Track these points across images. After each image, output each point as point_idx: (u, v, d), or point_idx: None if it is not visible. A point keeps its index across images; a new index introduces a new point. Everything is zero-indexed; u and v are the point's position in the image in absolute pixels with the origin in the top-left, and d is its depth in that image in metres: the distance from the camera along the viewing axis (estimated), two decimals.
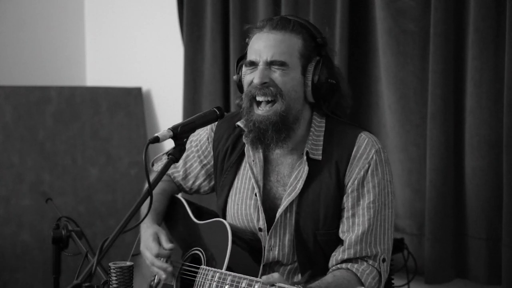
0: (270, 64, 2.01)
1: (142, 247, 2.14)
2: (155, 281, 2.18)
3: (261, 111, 2.01)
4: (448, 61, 2.66)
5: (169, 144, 1.86)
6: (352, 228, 2.02)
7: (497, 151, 2.58)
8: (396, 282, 2.74)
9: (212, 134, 2.26)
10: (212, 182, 2.31)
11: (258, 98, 2.01)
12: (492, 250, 2.64)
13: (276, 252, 2.08)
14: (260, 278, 1.82)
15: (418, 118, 2.77)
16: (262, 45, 2.02)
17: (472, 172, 2.65)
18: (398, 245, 2.76)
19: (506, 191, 2.52)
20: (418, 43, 2.74)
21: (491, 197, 2.62)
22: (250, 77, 2.04)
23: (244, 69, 2.10)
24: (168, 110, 3.89)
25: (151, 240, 2.11)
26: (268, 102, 2.01)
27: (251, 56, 2.04)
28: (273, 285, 1.75)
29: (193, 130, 1.89)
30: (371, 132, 2.11)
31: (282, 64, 1.99)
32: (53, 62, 4.08)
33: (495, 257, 2.63)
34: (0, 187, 3.56)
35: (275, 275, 1.78)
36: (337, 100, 2.10)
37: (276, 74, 2.00)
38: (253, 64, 2.03)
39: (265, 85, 2.00)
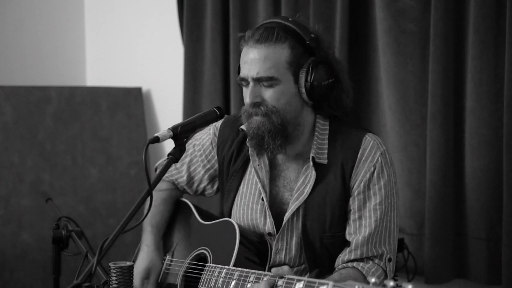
0: (257, 80, 1.99)
1: (135, 271, 2.14)
2: (160, 279, 2.19)
3: (258, 117, 2.01)
4: (448, 61, 2.66)
5: (169, 144, 1.86)
6: (359, 230, 2.02)
7: (497, 151, 2.58)
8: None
9: (216, 139, 2.25)
10: (216, 186, 2.32)
11: (254, 114, 2.02)
12: (492, 250, 2.64)
13: (283, 255, 2.09)
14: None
15: (418, 118, 2.77)
16: (249, 61, 2.00)
17: (472, 172, 2.65)
18: (398, 245, 2.76)
19: (506, 191, 2.52)
20: (418, 43, 2.74)
21: (491, 197, 2.62)
22: (245, 94, 2.04)
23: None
24: (168, 110, 3.89)
25: (139, 277, 2.14)
26: None
27: (241, 71, 2.04)
28: (282, 277, 1.75)
29: (193, 130, 1.90)
30: (374, 133, 2.11)
31: (270, 79, 1.98)
32: (53, 62, 4.08)
33: (495, 257, 2.63)
34: (0, 187, 3.56)
35: (285, 267, 1.79)
36: (337, 96, 2.08)
37: (267, 92, 1.99)
38: (244, 80, 2.03)
39: (257, 104, 2.00)
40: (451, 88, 2.68)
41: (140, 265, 2.17)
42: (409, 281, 2.81)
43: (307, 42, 2.02)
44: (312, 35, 2.04)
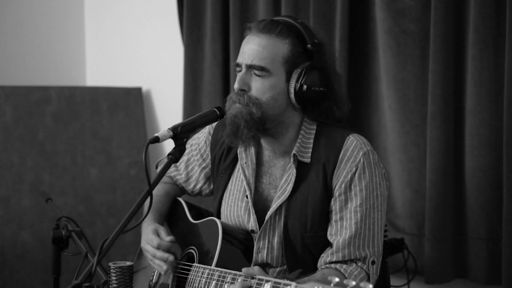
0: (250, 67, 1.99)
1: (143, 243, 2.14)
2: (154, 280, 2.20)
3: (239, 105, 2.00)
4: (448, 61, 2.66)
5: (169, 144, 1.86)
6: (340, 232, 2.01)
7: (497, 151, 2.58)
8: (396, 282, 2.74)
9: (210, 137, 2.27)
10: (212, 186, 2.32)
11: (238, 103, 2.01)
12: (492, 250, 2.64)
13: (265, 254, 2.09)
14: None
15: (418, 118, 2.77)
16: (247, 48, 2.01)
17: (472, 172, 2.65)
18: (398, 245, 2.76)
19: (506, 191, 2.52)
20: (418, 43, 2.74)
21: (491, 197, 2.62)
22: (236, 81, 2.04)
23: None
24: (168, 110, 3.89)
25: (151, 233, 2.11)
26: None
27: (238, 58, 2.04)
28: (253, 277, 1.77)
29: (193, 130, 1.90)
30: (362, 134, 2.08)
31: (261, 69, 1.98)
32: (53, 62, 4.08)
33: (495, 257, 2.63)
34: (0, 187, 3.56)
35: (255, 268, 1.80)
36: (328, 106, 2.06)
37: (256, 82, 1.99)
38: (239, 66, 2.03)
39: (242, 92, 1.99)
40: (451, 88, 2.68)
41: (146, 230, 2.14)
42: (409, 281, 2.81)
43: (308, 45, 2.02)
44: (315, 40, 2.03)
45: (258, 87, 1.99)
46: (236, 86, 2.01)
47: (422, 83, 2.75)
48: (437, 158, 2.68)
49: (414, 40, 2.75)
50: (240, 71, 2.03)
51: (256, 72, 1.99)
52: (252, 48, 2.00)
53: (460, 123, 2.70)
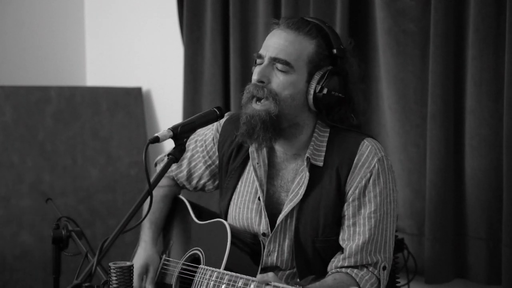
0: (274, 60, 1.97)
1: (134, 262, 2.15)
2: (156, 279, 2.19)
3: (256, 105, 1.99)
4: (448, 61, 2.66)
5: (169, 144, 1.86)
6: (352, 237, 2.00)
7: (497, 151, 2.58)
8: None
9: (218, 135, 2.24)
10: (217, 182, 2.30)
11: (256, 95, 2.00)
12: (492, 250, 2.64)
13: (275, 258, 2.07)
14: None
15: (418, 118, 2.77)
16: (272, 41, 1.99)
17: (472, 172, 2.65)
18: (398, 245, 2.76)
19: (506, 191, 2.52)
20: (418, 43, 2.74)
21: (491, 197, 2.62)
22: (255, 72, 2.01)
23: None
24: (168, 110, 3.89)
25: (137, 273, 2.13)
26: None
27: (261, 49, 2.02)
28: (268, 284, 1.75)
29: (193, 130, 1.89)
30: (374, 138, 2.08)
31: (285, 64, 1.96)
32: (53, 62, 4.08)
33: (495, 257, 2.63)
34: (0, 187, 3.56)
35: (270, 274, 1.78)
36: (344, 114, 2.05)
37: (277, 77, 1.97)
38: (260, 58, 2.01)
39: (262, 84, 1.98)
40: (451, 88, 2.68)
41: (138, 261, 2.16)
42: (409, 281, 2.81)
43: (334, 49, 2.01)
44: (341, 46, 2.02)
45: (278, 82, 1.97)
46: (255, 77, 1.99)
47: (422, 83, 2.75)
48: (437, 158, 2.67)
49: (414, 40, 2.75)
50: (261, 63, 2.00)
51: (279, 66, 1.97)
52: (278, 42, 1.98)
53: (460, 123, 2.69)
